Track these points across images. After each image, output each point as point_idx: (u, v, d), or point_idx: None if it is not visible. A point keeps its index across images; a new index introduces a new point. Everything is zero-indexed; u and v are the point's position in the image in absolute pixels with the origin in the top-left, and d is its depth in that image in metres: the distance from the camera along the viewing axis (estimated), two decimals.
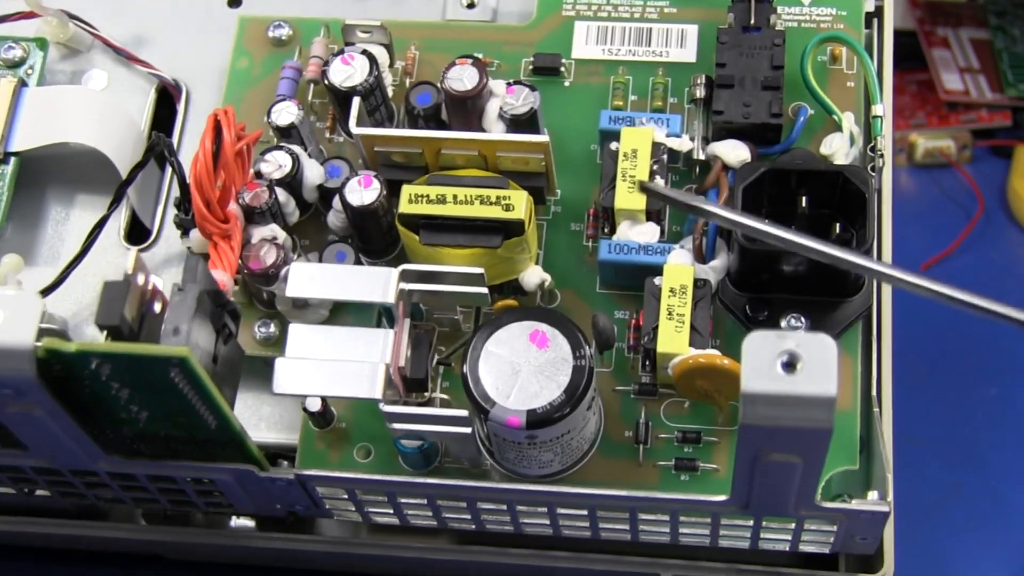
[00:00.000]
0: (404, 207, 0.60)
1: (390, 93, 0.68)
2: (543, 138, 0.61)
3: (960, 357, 0.75)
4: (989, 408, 0.74)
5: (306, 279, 0.57)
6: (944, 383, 0.75)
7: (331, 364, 0.56)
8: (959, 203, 0.83)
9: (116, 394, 0.53)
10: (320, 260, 0.63)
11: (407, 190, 0.60)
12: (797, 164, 0.61)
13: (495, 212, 0.59)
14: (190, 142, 0.71)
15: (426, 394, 0.61)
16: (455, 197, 0.59)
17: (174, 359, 0.50)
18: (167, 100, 0.73)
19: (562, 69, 0.68)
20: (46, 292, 0.66)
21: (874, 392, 0.61)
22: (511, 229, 0.59)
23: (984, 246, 0.81)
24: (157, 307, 0.53)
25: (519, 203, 0.59)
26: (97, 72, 0.73)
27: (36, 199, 0.70)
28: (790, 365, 0.46)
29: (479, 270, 0.57)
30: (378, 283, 0.57)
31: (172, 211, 0.67)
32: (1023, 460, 0.72)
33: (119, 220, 0.69)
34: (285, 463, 0.61)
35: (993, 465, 0.72)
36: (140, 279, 0.52)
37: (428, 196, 0.60)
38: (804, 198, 0.60)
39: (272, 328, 0.64)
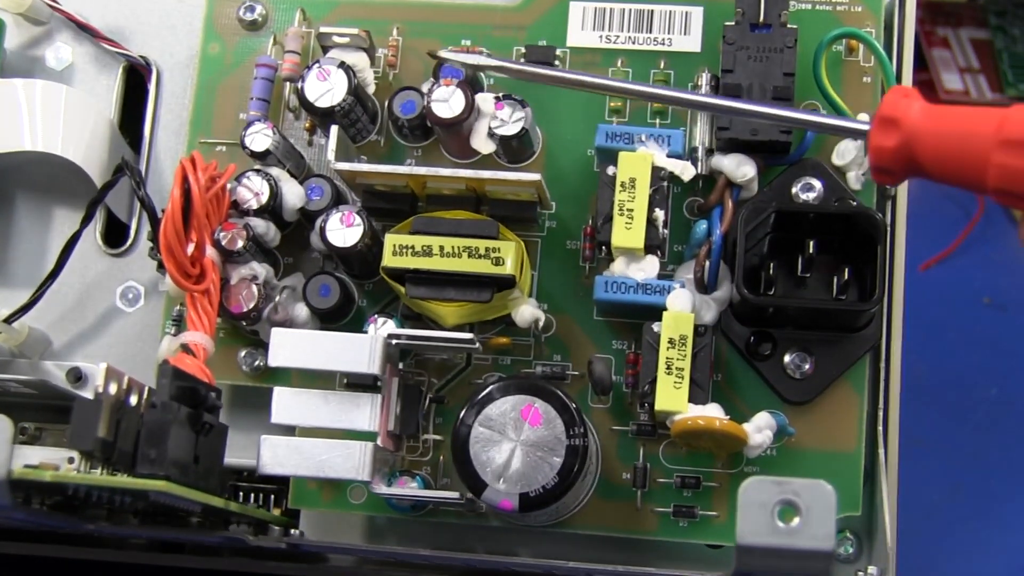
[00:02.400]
0: (388, 259, 0.57)
1: (372, 90, 0.63)
2: (534, 177, 0.57)
3: (960, 357, 0.73)
4: (989, 408, 0.72)
5: (288, 349, 0.55)
6: (944, 383, 0.73)
7: (318, 444, 0.54)
8: (959, 203, 0.79)
9: (97, 496, 0.51)
10: (304, 291, 0.60)
11: (391, 240, 0.57)
12: (805, 206, 0.58)
13: (484, 267, 0.56)
14: (163, 125, 0.68)
15: (418, 437, 0.60)
16: (441, 249, 0.56)
17: (152, 492, 0.48)
18: (136, 76, 0.69)
19: (556, 62, 0.63)
20: (20, 313, 0.63)
21: (880, 427, 0.59)
22: (502, 283, 0.56)
23: (984, 246, 0.78)
24: (133, 400, 0.51)
25: (509, 255, 0.56)
26: (61, 48, 0.69)
27: (5, 206, 0.67)
28: (787, 516, 0.44)
29: (470, 335, 0.55)
30: (363, 353, 0.54)
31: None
32: (1023, 460, 0.71)
33: (95, 222, 0.66)
34: (277, 529, 0.60)
35: (993, 465, 0.71)
36: (112, 388, 0.49)
37: (413, 247, 0.56)
38: (812, 243, 0.57)
39: (259, 361, 0.62)
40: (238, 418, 0.63)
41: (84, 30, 0.68)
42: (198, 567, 0.65)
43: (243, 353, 0.62)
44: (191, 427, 0.51)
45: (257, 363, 0.62)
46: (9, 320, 0.63)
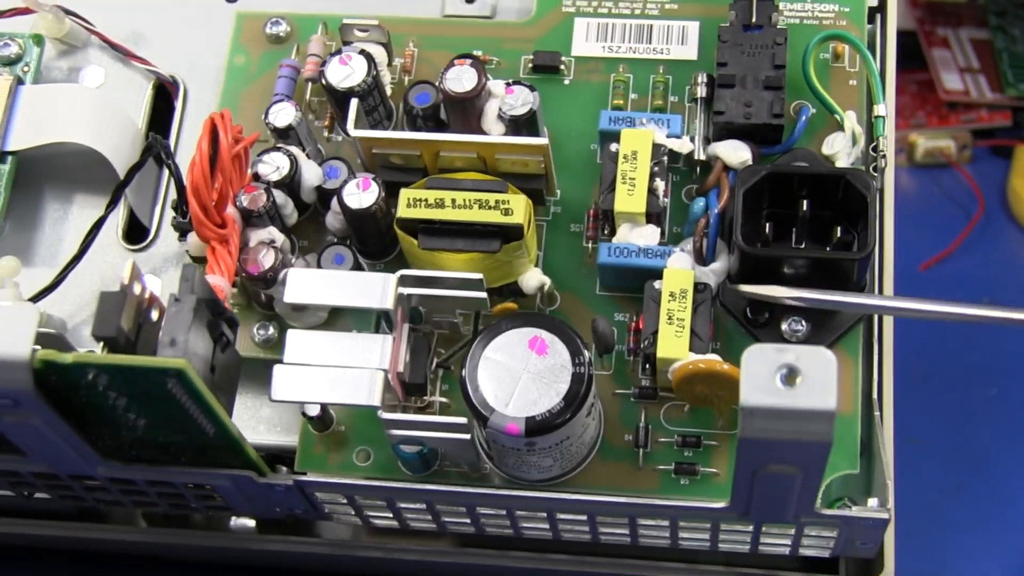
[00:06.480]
0: (402, 211, 0.59)
1: (389, 92, 0.67)
2: (542, 141, 0.60)
3: (960, 357, 0.75)
4: (989, 408, 0.74)
5: (304, 285, 0.57)
6: (944, 383, 0.75)
7: (329, 371, 0.56)
8: (959, 203, 0.83)
9: (114, 403, 0.52)
10: (319, 262, 0.63)
11: (405, 194, 0.59)
12: (798, 167, 0.61)
13: (494, 216, 0.59)
14: (188, 139, 0.71)
15: (425, 398, 0.61)
16: (453, 201, 0.59)
17: (171, 371, 0.49)
18: (164, 96, 0.73)
19: (562, 67, 0.68)
20: (43, 294, 0.65)
21: (874, 395, 0.61)
22: (510, 233, 0.59)
23: (984, 246, 0.81)
24: (155, 315, 0.53)
25: (518, 207, 0.59)
26: (94, 68, 0.73)
27: (33, 199, 0.70)
28: (789, 379, 0.46)
29: (478, 276, 0.57)
30: (376, 289, 0.57)
31: (170, 211, 0.68)
32: (1023, 460, 0.72)
33: (117, 220, 0.69)
34: (284, 468, 0.61)
35: (993, 465, 0.72)
36: (136, 288, 0.51)
37: (426, 200, 0.59)
38: (805, 202, 0.60)
39: (271, 330, 0.63)
40: (247, 394, 0.64)
41: (116, 49, 0.72)
42: (201, 544, 0.65)
43: (255, 326, 0.64)
44: (210, 332, 0.53)
45: (270, 333, 0.63)
46: (32, 300, 0.65)
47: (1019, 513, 0.71)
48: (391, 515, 0.60)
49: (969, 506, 0.71)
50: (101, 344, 0.51)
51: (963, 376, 0.75)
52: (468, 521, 0.59)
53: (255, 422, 0.65)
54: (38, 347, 0.60)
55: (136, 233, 0.70)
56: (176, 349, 0.50)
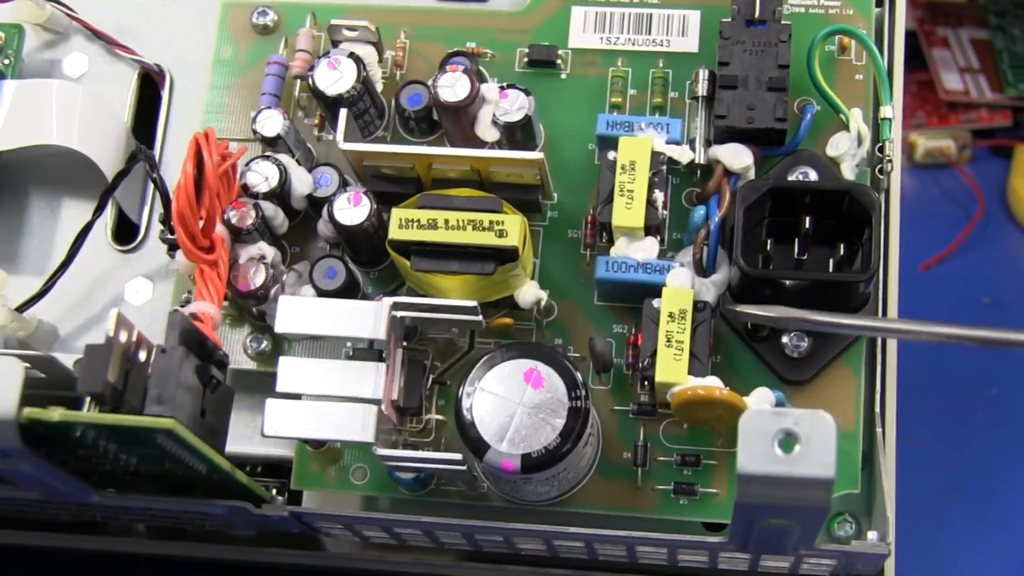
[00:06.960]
0: (394, 232, 0.58)
1: (380, 88, 0.65)
2: (537, 155, 0.59)
3: (960, 357, 0.74)
4: (989, 408, 0.73)
5: (294, 315, 0.56)
6: (944, 383, 0.74)
7: (322, 406, 0.55)
8: (959, 203, 0.81)
9: (104, 449, 0.52)
10: (311, 274, 0.61)
11: (397, 214, 0.58)
12: (801, 183, 0.59)
13: (488, 239, 0.57)
14: (175, 130, 0.69)
15: (422, 418, 0.60)
16: (447, 222, 0.57)
17: (160, 430, 0.49)
18: (151, 86, 0.71)
19: (558, 61, 0.65)
20: (31, 302, 0.64)
21: (877, 409, 0.60)
22: (505, 255, 0.58)
23: (984, 246, 0.79)
24: (142, 356, 0.52)
25: (513, 229, 0.57)
26: (77, 56, 0.71)
27: (19, 202, 0.69)
28: (787, 445, 0.45)
29: (472, 303, 0.56)
30: (368, 319, 0.56)
31: (159, 208, 0.66)
32: (1023, 460, 0.72)
33: (106, 220, 0.68)
34: (280, 498, 0.60)
35: (993, 465, 0.72)
36: (123, 337, 0.50)
37: (419, 221, 0.58)
38: (808, 217, 0.58)
39: (264, 344, 0.62)
40: (241, 406, 0.63)
41: (100, 37, 0.70)
42: (198, 555, 0.65)
43: (248, 338, 0.63)
44: (199, 378, 0.52)
45: (262, 347, 0.63)
46: (21, 309, 0.64)
47: (1019, 513, 0.71)
48: (389, 536, 0.60)
49: (969, 506, 0.71)
50: (88, 399, 0.50)
51: (963, 376, 0.74)
52: (465, 542, 0.59)
53: (251, 432, 0.64)
54: (32, 366, 0.60)
55: (126, 232, 0.68)
56: (164, 406, 0.49)
